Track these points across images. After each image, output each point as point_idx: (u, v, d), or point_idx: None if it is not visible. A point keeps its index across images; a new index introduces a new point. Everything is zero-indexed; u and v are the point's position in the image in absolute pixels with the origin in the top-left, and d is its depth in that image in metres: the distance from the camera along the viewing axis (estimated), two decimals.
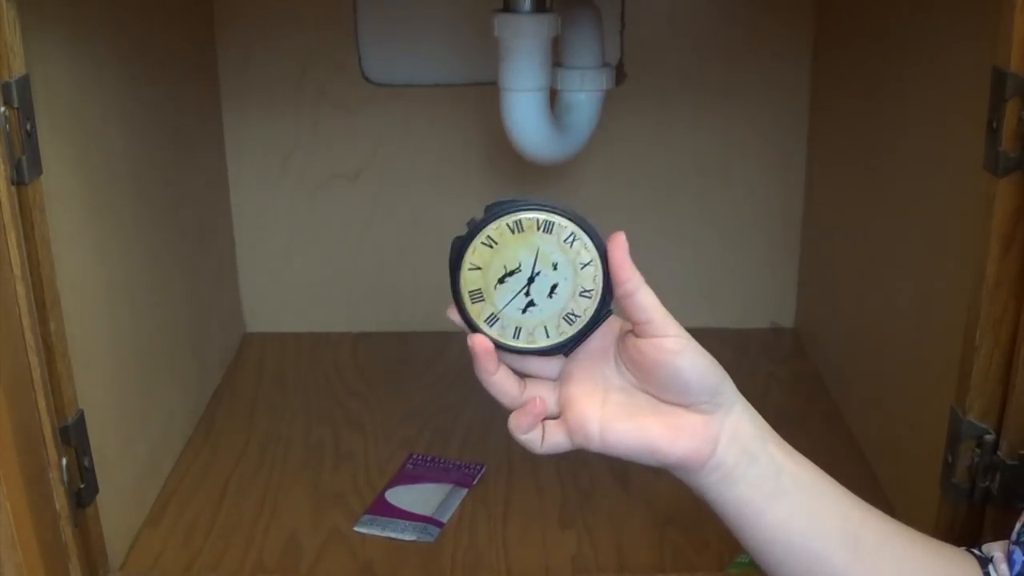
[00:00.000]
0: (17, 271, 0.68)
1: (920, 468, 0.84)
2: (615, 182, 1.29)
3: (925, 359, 0.91)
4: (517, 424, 0.63)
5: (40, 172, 0.71)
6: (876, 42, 1.05)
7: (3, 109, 0.67)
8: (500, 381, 0.63)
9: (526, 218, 0.61)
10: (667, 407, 0.62)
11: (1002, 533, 0.65)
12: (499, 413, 1.18)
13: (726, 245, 1.32)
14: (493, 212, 0.61)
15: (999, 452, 0.72)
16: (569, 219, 0.61)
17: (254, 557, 0.93)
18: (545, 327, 0.62)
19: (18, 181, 0.69)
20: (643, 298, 0.60)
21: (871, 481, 1.02)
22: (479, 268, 0.62)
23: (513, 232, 0.61)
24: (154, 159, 1.03)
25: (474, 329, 0.62)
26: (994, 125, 0.67)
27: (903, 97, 0.97)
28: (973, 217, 0.70)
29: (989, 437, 0.72)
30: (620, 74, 1.22)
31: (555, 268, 0.62)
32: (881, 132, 1.04)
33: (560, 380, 0.64)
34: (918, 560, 0.63)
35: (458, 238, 0.62)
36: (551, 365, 0.64)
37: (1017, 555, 0.62)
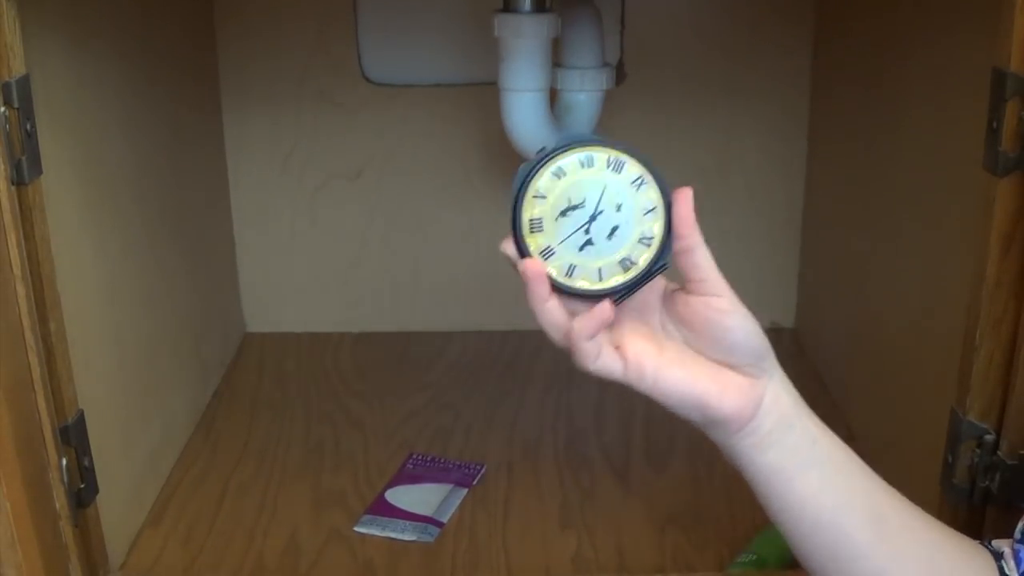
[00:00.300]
0: (17, 271, 0.68)
1: (920, 468, 0.84)
2: None
3: (925, 359, 0.90)
4: (582, 327, 0.60)
5: (40, 172, 0.71)
6: (876, 42, 1.05)
7: (3, 109, 0.67)
8: (552, 310, 0.60)
9: (598, 154, 0.60)
10: (715, 364, 0.62)
11: (1002, 533, 0.65)
12: (499, 413, 1.19)
13: (726, 245, 1.30)
14: (565, 143, 0.60)
15: (999, 452, 0.72)
16: (641, 163, 0.60)
17: (254, 557, 0.93)
18: (600, 269, 0.61)
19: (18, 181, 0.69)
20: (701, 256, 0.60)
21: None
22: (544, 197, 0.60)
23: (583, 167, 0.60)
24: (154, 159, 1.03)
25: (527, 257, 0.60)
26: (994, 125, 0.67)
27: (903, 97, 0.97)
28: (973, 217, 0.70)
29: (989, 437, 0.72)
30: (620, 74, 1.22)
31: (619, 210, 0.60)
32: (881, 132, 1.04)
33: (611, 327, 0.62)
34: (938, 546, 0.63)
35: (526, 164, 0.60)
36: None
37: (1023, 554, 0.62)
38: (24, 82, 0.69)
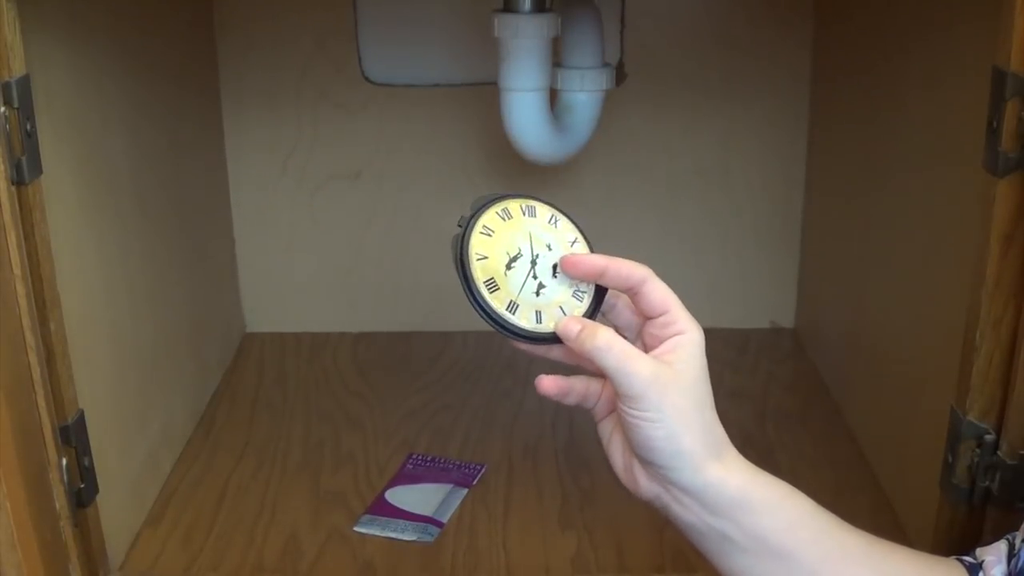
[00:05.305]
0: (17, 271, 0.68)
1: (920, 468, 0.84)
2: (615, 182, 1.29)
3: (925, 359, 0.90)
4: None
5: (40, 172, 0.71)
6: (876, 42, 1.05)
7: (3, 109, 0.67)
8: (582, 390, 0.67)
9: (510, 205, 0.64)
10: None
11: (1002, 533, 0.65)
12: (499, 413, 1.19)
13: (726, 245, 1.32)
14: (479, 205, 0.64)
15: (999, 452, 0.72)
16: (544, 203, 0.65)
17: (254, 557, 0.93)
18: (561, 307, 0.64)
19: (18, 181, 0.69)
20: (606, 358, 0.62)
21: (871, 481, 1.02)
22: (485, 257, 0.63)
23: (504, 220, 0.64)
24: (154, 159, 1.03)
25: (497, 320, 0.63)
26: (994, 125, 0.67)
27: (903, 97, 0.97)
28: (973, 217, 0.70)
29: (989, 437, 0.72)
30: (620, 74, 1.22)
31: (550, 249, 0.64)
32: (881, 132, 1.04)
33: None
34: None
35: (455, 236, 0.63)
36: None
37: None
38: (24, 82, 0.69)
